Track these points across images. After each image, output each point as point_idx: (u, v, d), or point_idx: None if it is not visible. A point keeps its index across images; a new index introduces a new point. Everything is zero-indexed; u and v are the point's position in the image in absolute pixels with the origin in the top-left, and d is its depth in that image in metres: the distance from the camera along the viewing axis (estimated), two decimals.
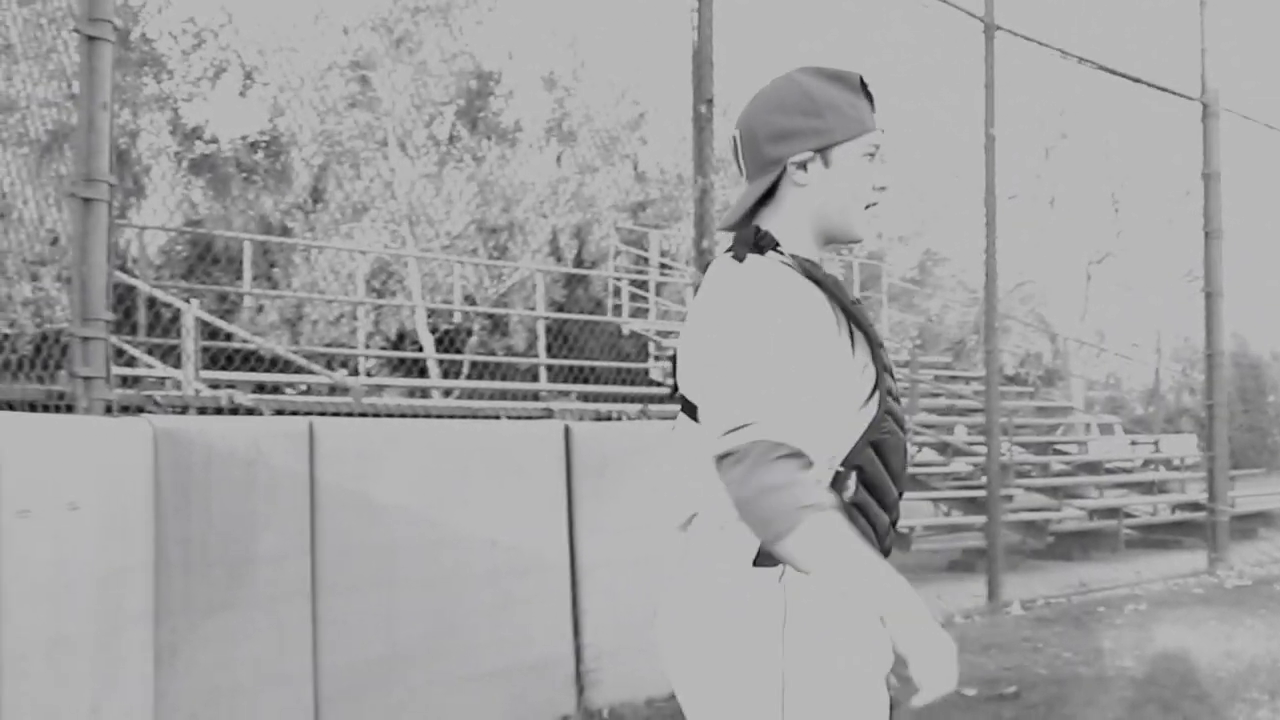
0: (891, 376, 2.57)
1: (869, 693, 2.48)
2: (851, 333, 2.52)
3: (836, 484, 2.47)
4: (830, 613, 2.42)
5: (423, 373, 20.55)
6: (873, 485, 2.50)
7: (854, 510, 2.47)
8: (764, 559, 2.44)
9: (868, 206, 2.63)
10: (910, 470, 2.72)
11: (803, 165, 2.59)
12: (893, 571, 2.38)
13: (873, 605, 2.33)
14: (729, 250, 2.61)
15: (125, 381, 11.31)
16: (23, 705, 4.30)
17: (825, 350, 2.45)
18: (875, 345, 2.53)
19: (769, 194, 2.63)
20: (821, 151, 2.58)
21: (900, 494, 2.58)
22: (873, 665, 2.47)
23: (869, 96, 2.63)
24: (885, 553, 2.54)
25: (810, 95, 2.59)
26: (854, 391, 2.49)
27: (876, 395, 2.51)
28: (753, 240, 2.59)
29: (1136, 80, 13.93)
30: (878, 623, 2.35)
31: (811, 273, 2.53)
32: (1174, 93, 14.30)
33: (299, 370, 13.49)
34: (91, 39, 5.71)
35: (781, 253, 2.57)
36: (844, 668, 2.45)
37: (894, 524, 2.59)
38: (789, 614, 2.45)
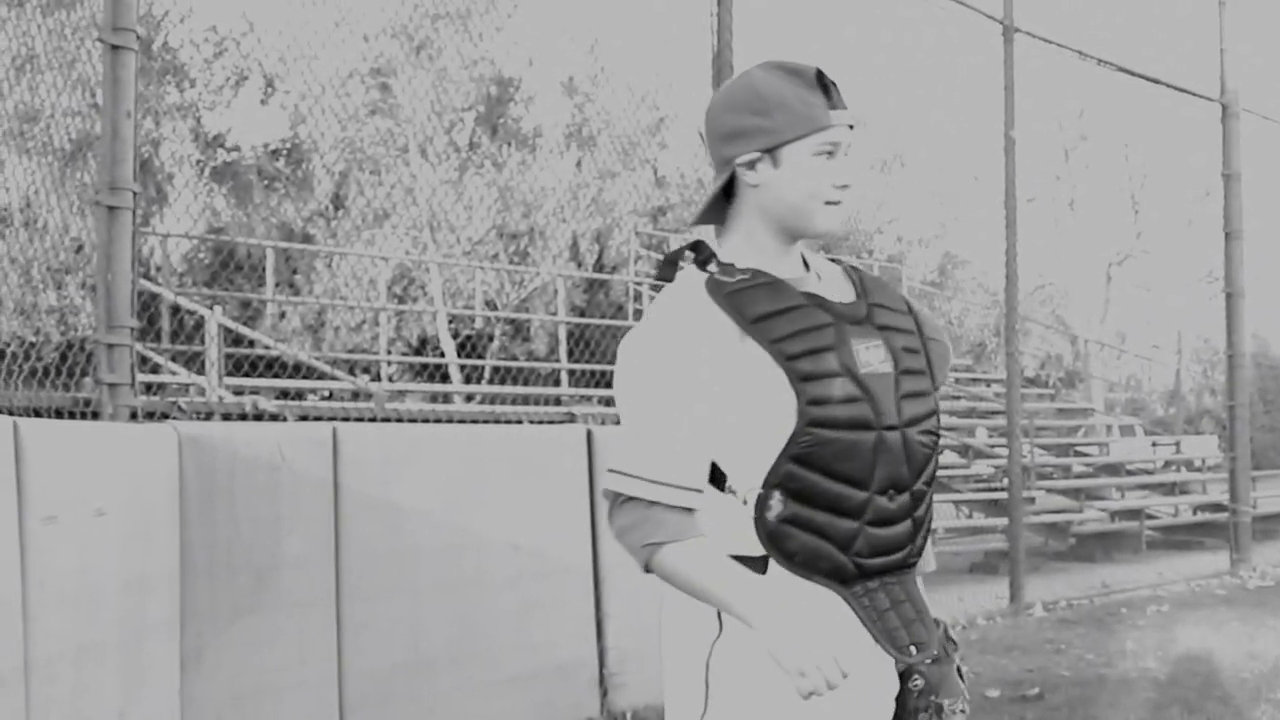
0: (854, 377, 2.43)
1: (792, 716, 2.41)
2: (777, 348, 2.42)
3: (759, 506, 2.42)
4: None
5: (445, 378, 20.56)
6: (811, 497, 2.41)
7: (788, 527, 2.41)
8: None
9: (829, 203, 2.51)
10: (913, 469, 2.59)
11: (751, 165, 2.50)
12: (750, 582, 2.39)
13: (738, 617, 2.37)
14: (656, 272, 2.62)
15: (150, 388, 11.37)
16: (50, 712, 4.33)
17: (717, 377, 2.40)
18: (787, 358, 2.40)
19: (731, 192, 2.57)
20: (770, 151, 2.48)
21: (883, 492, 2.46)
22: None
23: (827, 91, 2.49)
24: (865, 555, 2.45)
25: (759, 93, 2.49)
26: (772, 409, 2.40)
27: (797, 409, 2.39)
28: (676, 259, 2.57)
29: (1156, 81, 13.93)
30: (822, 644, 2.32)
31: (716, 292, 2.44)
32: (1193, 94, 14.28)
33: (322, 376, 13.56)
34: (115, 48, 5.77)
35: (716, 265, 2.51)
36: (769, 689, 2.39)
37: (877, 524, 2.46)
38: (725, 628, 2.45)
